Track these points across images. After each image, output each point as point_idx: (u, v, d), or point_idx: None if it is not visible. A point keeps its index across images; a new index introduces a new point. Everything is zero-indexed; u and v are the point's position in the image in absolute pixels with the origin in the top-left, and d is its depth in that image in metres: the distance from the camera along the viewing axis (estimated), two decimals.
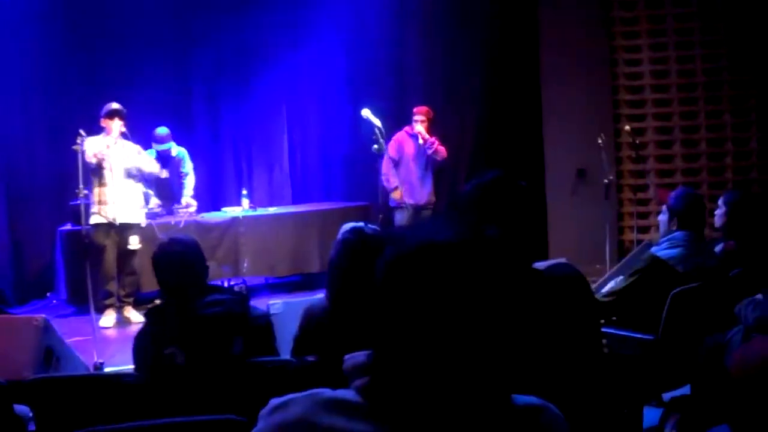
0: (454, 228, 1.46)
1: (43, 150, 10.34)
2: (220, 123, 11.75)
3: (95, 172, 8.65)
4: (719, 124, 10.64)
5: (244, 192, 10.57)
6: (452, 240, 1.42)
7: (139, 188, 9.11)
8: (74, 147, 7.82)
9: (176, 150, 10.03)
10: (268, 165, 11.95)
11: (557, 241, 10.83)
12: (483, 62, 11.45)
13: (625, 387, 3.55)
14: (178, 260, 4.09)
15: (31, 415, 3.90)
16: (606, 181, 9.30)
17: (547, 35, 10.92)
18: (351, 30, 11.68)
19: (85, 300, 7.83)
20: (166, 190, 10.04)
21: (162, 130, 9.87)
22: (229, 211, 10.33)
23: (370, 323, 1.46)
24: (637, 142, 9.94)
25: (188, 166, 10.11)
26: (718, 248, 5.58)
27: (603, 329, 5.24)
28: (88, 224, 8.30)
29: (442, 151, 9.88)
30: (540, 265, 2.91)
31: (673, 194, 5.36)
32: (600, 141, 9.39)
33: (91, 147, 8.44)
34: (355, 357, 1.51)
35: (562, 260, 6.85)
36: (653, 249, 5.23)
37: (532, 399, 1.52)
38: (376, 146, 8.57)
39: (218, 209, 10.68)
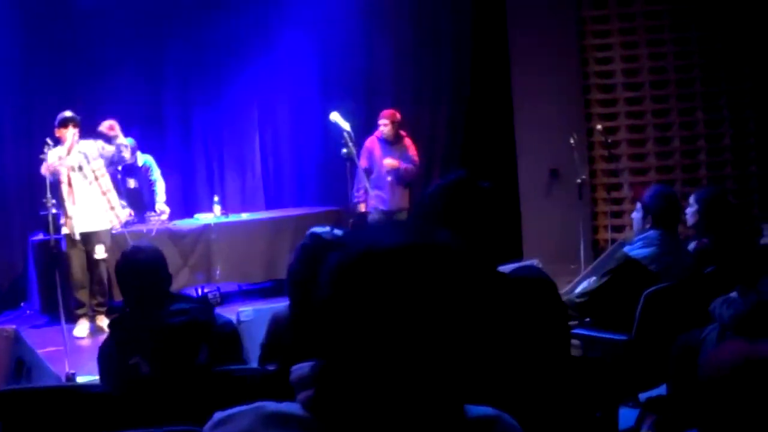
0: (400, 233, 1.40)
1: (12, 158, 10.21)
2: (192, 128, 11.63)
3: (54, 185, 8.46)
4: (692, 121, 10.60)
5: (216, 198, 10.45)
6: (395, 246, 1.36)
7: (111, 195, 8.96)
8: (41, 156, 7.75)
9: (142, 159, 9.93)
10: (240, 170, 11.85)
11: (531, 242, 10.77)
12: (452, 63, 11.39)
13: (599, 388, 3.48)
14: (141, 269, 4.02)
15: None
16: (579, 180, 9.27)
17: (518, 35, 10.87)
18: (321, 32, 11.63)
19: (58, 310, 7.73)
20: (137, 199, 9.93)
21: (128, 141, 9.71)
22: (201, 218, 10.23)
23: (314, 333, 1.40)
24: (609, 141, 9.88)
25: (156, 173, 9.99)
26: (691, 246, 5.53)
27: (577, 330, 5.22)
28: (58, 234, 8.20)
29: (412, 172, 9.70)
30: (506, 267, 2.85)
31: (647, 192, 5.31)
32: (572, 141, 9.35)
33: (49, 159, 8.30)
34: (301, 368, 1.45)
35: (531, 262, 6.84)
36: (626, 248, 5.18)
37: (486, 410, 1.46)
38: (344, 150, 8.55)
39: (191, 216, 10.58)
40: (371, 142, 9.70)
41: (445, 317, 1.33)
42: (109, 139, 8.90)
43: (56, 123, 8.64)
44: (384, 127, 9.62)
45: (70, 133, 8.58)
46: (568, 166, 9.98)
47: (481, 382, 2.11)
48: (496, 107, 11.25)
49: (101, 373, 4.06)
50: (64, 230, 8.63)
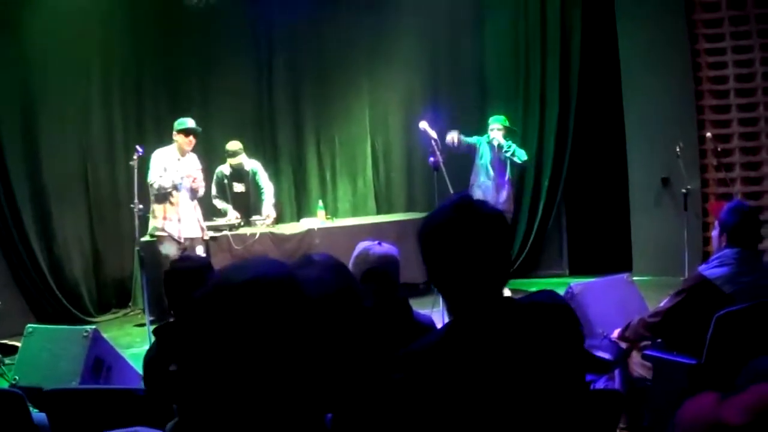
0: (264, 266, 1.47)
1: (123, 160, 10.43)
2: (304, 134, 11.85)
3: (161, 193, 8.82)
4: None
5: (320, 203, 10.51)
6: (245, 280, 1.43)
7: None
8: (131, 162, 7.91)
9: (249, 164, 10.03)
10: (351, 176, 11.94)
11: (640, 253, 10.47)
12: (560, 68, 11.09)
13: (609, 423, 3.27)
14: (186, 277, 4.04)
15: (47, 423, 3.95)
16: (684, 190, 8.90)
17: (627, 40, 10.50)
18: (433, 36, 11.60)
19: (165, 310, 7.84)
20: (243, 203, 10.04)
21: (234, 144, 9.88)
22: (306, 222, 10.26)
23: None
24: (719, 149, 9.45)
25: (263, 178, 10.09)
26: None
27: (648, 352, 4.96)
28: (149, 237, 8.43)
29: (520, 153, 9.89)
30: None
31: (723, 208, 5.01)
32: (678, 149, 8.99)
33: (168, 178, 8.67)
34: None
35: (621, 277, 6.58)
36: (701, 267, 4.87)
37: None
38: (432, 158, 8.45)
39: (297, 220, 10.71)
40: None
41: (282, 350, 1.39)
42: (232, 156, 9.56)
43: (179, 129, 8.88)
44: (497, 131, 9.82)
45: (189, 143, 8.87)
46: (679, 175, 9.63)
47: (486, 411, 2.26)
48: (605, 114, 10.95)
49: (145, 378, 4.09)
50: (161, 232, 8.85)
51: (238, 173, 9.95)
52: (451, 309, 2.53)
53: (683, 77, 10.27)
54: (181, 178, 8.75)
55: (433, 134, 8.84)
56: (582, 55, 11.00)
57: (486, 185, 9.86)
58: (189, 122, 8.93)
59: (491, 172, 9.87)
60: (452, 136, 9.64)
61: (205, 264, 4.25)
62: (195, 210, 9.08)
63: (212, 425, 1.41)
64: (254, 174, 10.03)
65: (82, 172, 10.30)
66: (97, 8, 10.23)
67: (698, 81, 10.31)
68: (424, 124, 9.05)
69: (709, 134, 9.38)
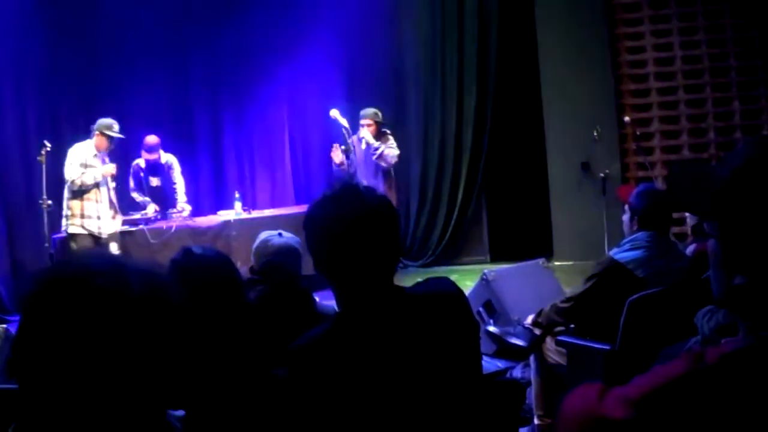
0: (90, 262, 1.45)
1: (34, 159, 10.17)
2: (222, 127, 11.71)
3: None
4: (728, 111, 10.06)
5: (237, 195, 10.34)
6: (63, 277, 1.41)
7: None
8: (38, 158, 7.69)
9: (165, 157, 9.91)
10: (270, 168, 11.81)
11: (561, 239, 10.49)
12: (478, 54, 11.03)
13: (508, 413, 3.18)
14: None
15: None
16: (602, 174, 8.89)
17: (546, 25, 10.44)
18: (347, 28, 11.49)
19: None
20: (160, 197, 9.91)
21: (151, 139, 9.75)
22: (222, 215, 10.12)
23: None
24: (639, 133, 9.47)
25: (177, 173, 9.98)
26: (690, 249, 5.15)
27: (561, 338, 4.90)
28: (63, 233, 8.28)
29: (388, 157, 9.30)
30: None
31: (633, 192, 4.95)
32: (595, 133, 8.98)
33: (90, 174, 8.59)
34: None
35: (536, 261, 6.54)
36: (612, 251, 4.81)
37: None
38: (343, 147, 8.36)
39: (215, 212, 10.54)
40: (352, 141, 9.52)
41: (100, 345, 1.36)
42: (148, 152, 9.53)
43: (105, 134, 8.77)
44: (367, 128, 9.35)
45: (106, 147, 8.81)
46: (598, 160, 9.62)
47: (373, 408, 2.24)
48: (524, 100, 10.92)
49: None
50: (77, 230, 8.71)
51: (154, 167, 9.84)
52: (339, 300, 2.46)
53: (602, 62, 10.26)
54: (103, 176, 8.73)
55: (344, 122, 8.74)
56: (499, 41, 10.94)
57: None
58: (114, 127, 8.83)
59: (364, 170, 9.47)
60: (338, 158, 9.31)
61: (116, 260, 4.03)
62: (112, 206, 9.01)
63: (46, 425, 1.39)
64: (171, 166, 9.93)
65: None
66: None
67: (617, 66, 10.31)
68: (335, 113, 8.95)
69: (627, 118, 9.37)
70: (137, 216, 9.55)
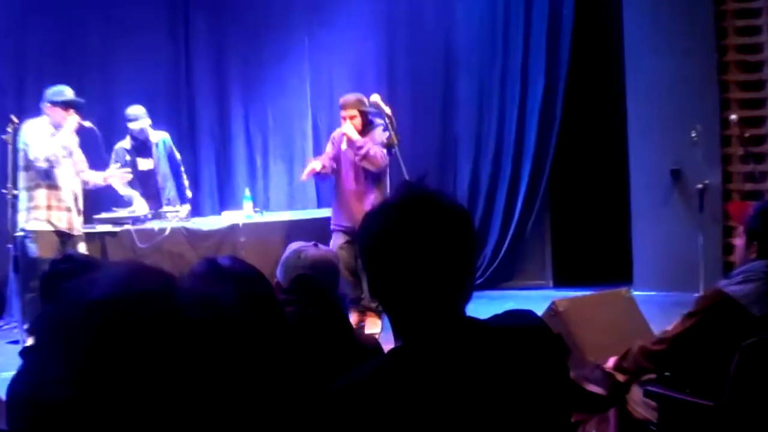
0: (132, 278, 1.41)
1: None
2: (228, 109, 11.78)
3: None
4: None
5: (247, 193, 10.39)
6: (104, 297, 1.36)
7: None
8: (3, 136, 7.71)
9: (157, 136, 10.01)
10: (288, 161, 11.83)
11: (643, 262, 10.46)
12: (549, 29, 11.01)
13: None
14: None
15: None
16: (700, 186, 8.84)
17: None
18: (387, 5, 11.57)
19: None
20: (151, 187, 10.01)
21: (135, 109, 9.87)
22: (228, 216, 10.18)
23: None
24: (747, 135, 9.41)
25: (177, 154, 10.18)
26: None
27: (651, 387, 4.85)
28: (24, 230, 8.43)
29: (377, 158, 9.00)
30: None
31: (751, 211, 4.87)
32: (693, 134, 8.92)
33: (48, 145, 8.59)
34: None
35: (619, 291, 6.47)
36: (722, 283, 4.74)
37: None
38: (387, 135, 8.34)
39: (218, 213, 10.69)
40: (338, 136, 9.46)
41: (146, 381, 1.32)
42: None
43: (57, 101, 8.76)
44: (350, 120, 9.17)
45: (74, 120, 8.80)
46: (694, 168, 9.60)
47: None
48: (601, 91, 10.98)
49: (8, 413, 3.96)
50: (42, 225, 8.75)
51: (143, 146, 9.92)
52: (397, 331, 2.45)
53: (703, 45, 10.20)
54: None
55: (387, 110, 8.67)
56: (576, 17, 10.90)
57: (345, 192, 9.35)
58: (68, 92, 8.87)
59: (349, 175, 9.29)
60: (319, 163, 9.32)
61: (94, 265, 4.02)
62: (79, 199, 9.08)
63: None
64: (163, 143, 10.05)
65: None
66: None
67: (723, 51, 10.25)
68: (376, 98, 8.84)
69: (734, 117, 9.32)
70: (124, 214, 9.55)
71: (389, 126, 8.46)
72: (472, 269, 2.46)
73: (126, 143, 9.85)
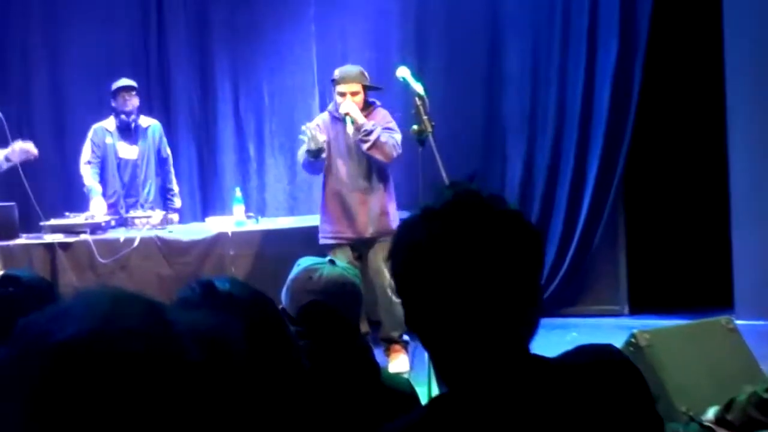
0: (115, 309, 1.40)
1: None
2: (214, 87, 11.92)
3: None
4: None
5: (238, 194, 10.43)
6: (76, 336, 1.34)
7: None
8: None
9: (148, 121, 10.31)
10: (290, 157, 11.83)
11: (746, 287, 10.46)
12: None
13: None
14: (12, 310, 3.89)
15: None
16: None
17: None
18: None
19: None
20: (131, 178, 10.36)
21: (125, 81, 10.18)
22: (214, 223, 10.29)
23: None
24: None
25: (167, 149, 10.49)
26: None
27: None
28: None
29: (388, 145, 9.10)
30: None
31: None
32: None
33: None
34: None
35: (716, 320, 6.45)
36: None
37: None
38: (415, 127, 8.23)
39: (202, 220, 10.90)
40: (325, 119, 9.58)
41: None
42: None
43: None
44: (351, 96, 9.21)
45: None
46: None
47: None
48: (691, 67, 11.03)
49: None
50: None
51: (128, 128, 10.16)
52: (441, 374, 2.42)
53: None
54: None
55: (419, 88, 8.49)
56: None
57: (343, 192, 9.36)
58: None
59: (348, 170, 9.34)
60: (316, 140, 9.12)
61: (42, 287, 4.01)
62: None
63: None
64: (153, 133, 10.33)
65: None
66: None
67: None
68: (404, 71, 8.72)
69: None
70: (79, 220, 9.64)
71: (420, 109, 8.34)
72: (539, 295, 2.41)
73: (109, 123, 10.05)
